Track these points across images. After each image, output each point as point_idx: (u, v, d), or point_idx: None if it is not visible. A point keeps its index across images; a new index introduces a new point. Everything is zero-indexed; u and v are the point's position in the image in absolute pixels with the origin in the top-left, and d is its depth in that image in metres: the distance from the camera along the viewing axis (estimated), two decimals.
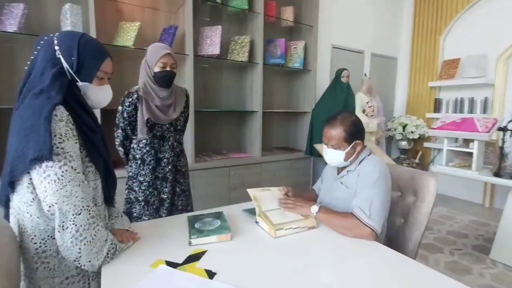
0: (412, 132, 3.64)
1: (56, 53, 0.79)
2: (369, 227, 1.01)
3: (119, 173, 1.89)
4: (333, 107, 2.93)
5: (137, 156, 1.50)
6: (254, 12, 2.64)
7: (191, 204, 1.73)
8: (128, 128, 1.47)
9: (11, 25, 1.77)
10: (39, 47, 0.81)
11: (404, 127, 3.71)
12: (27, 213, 0.75)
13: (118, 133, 1.49)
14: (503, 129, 2.05)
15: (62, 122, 0.73)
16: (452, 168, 2.27)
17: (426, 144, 3.86)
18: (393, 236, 1.33)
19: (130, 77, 2.35)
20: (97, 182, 0.85)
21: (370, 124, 3.06)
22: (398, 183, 1.38)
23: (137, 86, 1.47)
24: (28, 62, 0.81)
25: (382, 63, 4.05)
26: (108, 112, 2.02)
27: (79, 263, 0.76)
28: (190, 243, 0.94)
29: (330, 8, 3.39)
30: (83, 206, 0.74)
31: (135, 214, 1.51)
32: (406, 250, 1.25)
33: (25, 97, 0.75)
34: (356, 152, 1.19)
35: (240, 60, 2.63)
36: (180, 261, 0.84)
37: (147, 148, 1.49)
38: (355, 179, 1.15)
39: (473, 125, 2.10)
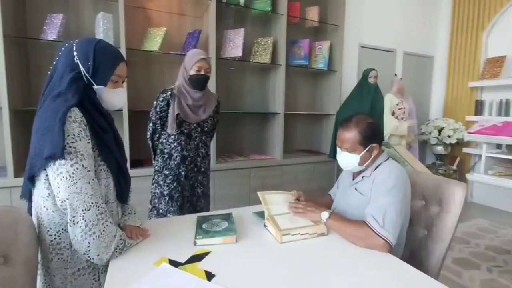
0: (449, 136, 3.37)
1: (75, 59, 0.84)
2: (382, 238, 0.95)
3: (146, 171, 2.04)
4: (359, 109, 2.81)
5: (165, 151, 1.58)
6: (277, 13, 2.63)
7: (208, 206, 1.77)
8: (158, 122, 1.56)
9: (52, 34, 1.95)
10: (60, 53, 0.87)
11: (440, 131, 3.44)
12: (44, 207, 0.82)
13: (150, 126, 1.59)
14: None
15: (76, 123, 0.78)
16: (492, 176, 2.06)
17: (465, 150, 3.55)
18: (415, 248, 1.24)
19: (157, 79, 2.46)
20: (109, 180, 0.90)
21: (400, 127, 2.88)
22: (422, 191, 1.28)
23: (173, 86, 1.56)
24: (51, 67, 0.88)
25: (416, 62, 3.81)
26: (139, 113, 2.14)
27: (88, 256, 0.81)
28: (195, 243, 0.95)
29: (358, 6, 3.27)
30: (92, 203, 0.79)
31: (161, 210, 1.58)
32: (429, 264, 1.16)
33: (46, 99, 0.82)
34: (372, 157, 1.12)
35: (262, 62, 2.63)
36: (183, 261, 0.85)
37: (174, 144, 1.57)
38: (370, 185, 1.09)
39: None
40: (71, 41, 0.88)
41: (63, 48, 0.88)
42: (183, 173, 1.59)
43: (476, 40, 3.48)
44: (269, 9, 2.57)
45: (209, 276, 0.78)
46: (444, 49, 3.83)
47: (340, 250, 0.96)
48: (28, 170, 0.81)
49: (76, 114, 0.79)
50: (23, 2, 2.02)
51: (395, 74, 3.12)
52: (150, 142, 1.63)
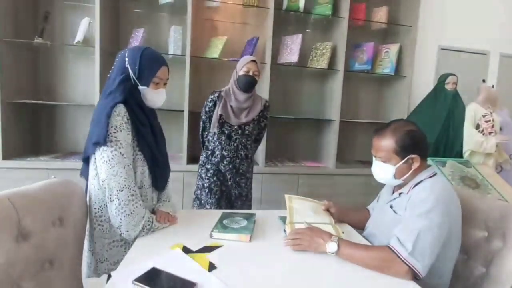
0: None
1: (126, 63, 1.01)
2: (407, 264, 0.82)
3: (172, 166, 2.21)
4: (432, 118, 2.46)
5: (210, 147, 1.72)
6: (338, 17, 2.53)
7: (247, 209, 1.81)
8: (207, 121, 1.71)
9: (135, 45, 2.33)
10: (117, 59, 1.05)
11: None
12: (92, 184, 1.00)
13: (200, 124, 1.77)
14: None
15: (119, 117, 0.94)
16: None
17: None
18: (469, 287, 1.03)
19: (217, 83, 2.65)
20: (145, 168, 1.04)
21: (485, 142, 2.40)
22: (485, 220, 1.06)
23: (223, 89, 1.70)
24: (110, 71, 1.07)
25: None
26: (196, 114, 2.36)
27: (120, 231, 0.95)
28: (211, 236, 1.01)
29: (439, 3, 2.88)
30: (125, 185, 0.93)
31: (202, 201, 1.72)
32: None
33: (102, 96, 1.01)
34: (412, 170, 0.99)
35: (319, 67, 2.57)
36: (195, 249, 0.92)
37: (217, 142, 1.69)
38: (406, 204, 0.95)
39: None
40: (126, 49, 1.06)
41: (119, 55, 1.06)
42: (222, 170, 1.69)
43: None
44: (330, 13, 2.49)
45: (211, 267, 0.82)
46: None
47: (356, 267, 0.87)
48: (83, 153, 1.00)
49: (120, 109, 0.94)
50: (117, 18, 2.47)
51: (483, 80, 2.62)
52: (200, 137, 1.81)
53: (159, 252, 0.88)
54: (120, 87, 0.97)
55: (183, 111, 2.38)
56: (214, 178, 1.69)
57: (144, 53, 1.01)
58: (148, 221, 0.99)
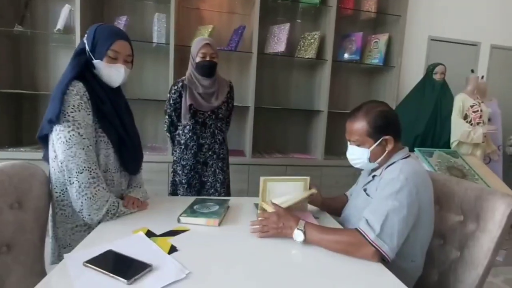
0: None
1: (84, 39, 0.97)
2: (375, 247, 0.80)
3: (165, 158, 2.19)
4: (420, 109, 2.44)
5: (182, 141, 1.65)
6: (326, 6, 2.49)
7: (229, 193, 1.79)
8: (173, 114, 1.64)
9: None
10: None
11: None
12: (52, 167, 0.96)
13: (166, 119, 1.69)
14: None
15: (78, 96, 0.89)
16: None
17: None
18: (445, 272, 1.01)
19: None
20: (109, 151, 0.99)
21: (472, 133, 2.38)
22: (461, 204, 1.04)
23: (184, 77, 1.63)
24: None
25: (509, 58, 3.10)
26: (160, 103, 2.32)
27: (81, 215, 0.92)
28: (178, 220, 0.98)
29: None
30: (84, 167, 0.89)
31: (179, 195, 1.68)
32: None
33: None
34: (386, 152, 0.96)
35: (307, 57, 2.53)
36: (158, 233, 0.89)
37: (190, 134, 1.62)
38: (377, 185, 0.93)
39: None
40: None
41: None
42: (201, 160, 1.63)
43: None
44: (318, 1, 2.45)
45: (172, 250, 0.79)
46: None
47: (324, 255, 0.84)
48: (38, 131, 0.96)
49: (79, 88, 0.90)
50: (99, 6, 2.41)
51: (472, 70, 2.59)
52: (168, 134, 1.73)
53: (120, 236, 0.85)
54: (74, 61, 0.93)
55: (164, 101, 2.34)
56: (192, 173, 1.64)
57: (100, 26, 0.97)
58: (113, 205, 0.96)
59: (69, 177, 0.89)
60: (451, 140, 2.42)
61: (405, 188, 0.84)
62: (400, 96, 2.65)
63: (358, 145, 0.99)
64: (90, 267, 0.67)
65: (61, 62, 2.41)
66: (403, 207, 0.83)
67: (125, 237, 0.85)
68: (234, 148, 2.63)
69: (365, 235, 0.81)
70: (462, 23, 2.95)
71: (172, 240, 0.85)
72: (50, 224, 1.00)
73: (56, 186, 0.96)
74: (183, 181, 1.66)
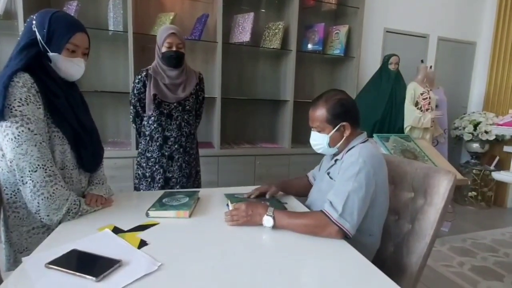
0: (486, 132, 2.98)
1: (33, 27, 0.88)
2: (338, 226, 0.86)
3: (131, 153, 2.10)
4: (377, 97, 2.61)
5: (147, 133, 1.59)
6: None
7: (199, 187, 1.77)
8: (138, 104, 1.57)
9: None
10: (25, 25, 0.92)
11: (476, 126, 3.06)
12: (0, 167, 0.88)
13: (131, 109, 1.62)
14: None
15: (24, 88, 0.82)
16: None
17: (506, 148, 3.10)
18: (399, 244, 1.12)
19: None
20: (65, 147, 0.93)
21: (422, 118, 2.61)
22: (412, 182, 1.14)
23: (150, 66, 1.57)
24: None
25: (454, 49, 3.41)
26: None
27: (39, 216, 0.86)
28: (147, 215, 0.96)
29: None
30: (38, 165, 0.83)
31: (142, 190, 1.62)
32: (408, 263, 1.03)
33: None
34: (344, 137, 1.03)
35: (272, 47, 2.55)
36: (127, 229, 0.86)
37: (155, 125, 1.57)
38: (339, 169, 0.99)
39: None
40: (34, 15, 0.92)
41: (27, 20, 0.92)
42: (166, 154, 1.58)
43: None
44: None
45: (142, 244, 0.78)
46: (488, 34, 3.36)
47: (292, 237, 0.88)
48: None
49: (26, 79, 0.83)
50: None
51: (422, 61, 2.82)
52: (134, 125, 1.66)
53: (85, 235, 0.81)
54: (22, 53, 0.85)
55: (129, 93, 2.22)
56: (157, 166, 1.58)
57: (55, 15, 0.89)
58: (74, 204, 0.91)
59: (21, 177, 0.82)
60: (405, 126, 2.63)
61: (363, 170, 0.91)
62: (360, 85, 2.80)
63: (319, 131, 1.05)
64: (53, 268, 0.64)
65: (1, 51, 2.16)
66: (362, 187, 0.90)
67: (89, 235, 0.81)
68: (202, 140, 2.59)
69: (329, 216, 0.87)
70: (413, 16, 3.17)
71: (141, 235, 0.83)
72: (1, 228, 0.92)
73: (6, 188, 0.88)
74: (147, 174, 1.61)
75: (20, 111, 0.81)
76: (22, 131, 0.81)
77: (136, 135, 1.72)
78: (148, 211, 0.96)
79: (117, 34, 2.22)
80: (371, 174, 0.92)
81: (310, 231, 0.87)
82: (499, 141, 3.06)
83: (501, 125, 1.81)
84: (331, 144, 1.03)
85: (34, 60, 0.86)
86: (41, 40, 0.88)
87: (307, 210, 1.10)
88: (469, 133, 3.08)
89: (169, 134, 1.59)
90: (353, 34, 2.76)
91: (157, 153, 1.59)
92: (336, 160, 1.06)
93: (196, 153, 1.75)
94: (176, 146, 1.61)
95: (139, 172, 1.64)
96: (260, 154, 2.59)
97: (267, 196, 1.16)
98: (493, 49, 3.32)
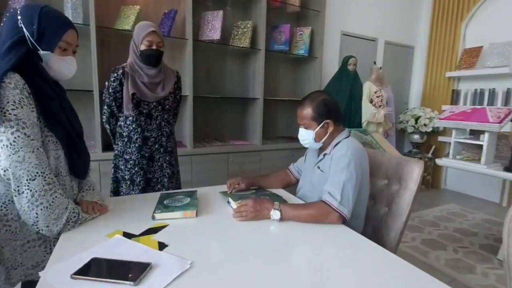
0: (425, 125, 3.46)
1: (18, 23, 0.80)
2: (338, 212, 0.97)
3: (107, 155, 1.98)
4: (338, 95, 2.83)
5: (124, 134, 1.51)
6: None
7: (180, 187, 1.75)
8: (113, 104, 1.48)
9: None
10: (5, 19, 0.83)
11: (416, 119, 3.53)
12: None
13: (104, 109, 1.51)
14: None
15: (17, 90, 0.75)
16: (459, 161, 2.14)
17: (441, 138, 3.66)
18: (377, 225, 1.28)
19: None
20: (59, 152, 0.87)
21: (377, 114, 2.93)
22: (386, 171, 1.31)
23: (125, 64, 1.49)
24: None
25: (397, 52, 3.85)
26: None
27: (37, 227, 0.79)
28: (153, 217, 0.95)
29: None
30: (37, 173, 0.76)
31: (122, 193, 1.55)
32: (388, 239, 1.20)
33: None
34: (328, 133, 1.14)
35: (242, 46, 2.59)
36: (138, 233, 0.85)
37: (133, 126, 1.50)
38: (329, 163, 1.11)
39: (484, 115, 1.95)
40: (16, 8, 0.84)
41: (7, 14, 0.83)
42: (146, 155, 1.53)
43: (455, 30, 3.54)
44: None
45: (162, 246, 0.78)
46: (424, 39, 3.89)
47: (297, 225, 0.97)
48: None
49: (17, 80, 0.75)
50: None
51: (374, 63, 3.15)
52: (107, 126, 1.56)
53: (95, 243, 0.78)
54: (11, 53, 0.77)
55: (92, 91, 2.07)
56: (136, 168, 1.52)
57: (45, 11, 0.82)
58: (73, 212, 0.85)
59: (18, 186, 0.75)
60: (362, 121, 2.92)
61: (352, 161, 1.04)
62: (323, 84, 3.01)
63: (306, 128, 1.16)
64: (82, 279, 0.61)
65: None
66: (353, 176, 1.02)
67: (101, 242, 0.78)
68: None
69: (330, 205, 0.97)
70: (365, 21, 3.50)
71: (156, 237, 0.83)
72: None
73: None
74: (126, 177, 1.54)
75: (14, 114, 0.74)
76: (18, 136, 0.74)
77: (111, 137, 1.62)
78: (154, 214, 0.95)
79: (77, 27, 2.03)
80: (358, 165, 1.05)
81: (314, 220, 0.97)
82: (435, 132, 3.58)
83: (442, 119, 2.14)
84: (317, 139, 1.14)
85: (24, 59, 0.78)
86: (30, 38, 0.80)
87: (301, 202, 1.19)
88: (412, 126, 3.54)
89: (149, 134, 1.54)
90: (316, 36, 2.94)
91: (136, 154, 1.53)
92: (324, 155, 1.17)
93: (175, 152, 1.72)
94: (156, 146, 1.57)
95: (117, 175, 1.55)
96: (233, 152, 2.63)
97: (232, 192, 1.24)
98: (428, 53, 3.85)
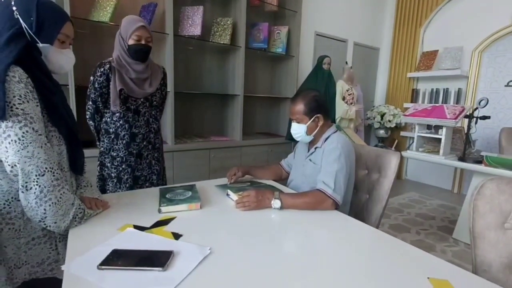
0: (389, 121, 3.76)
1: (14, 14, 0.77)
2: (332, 199, 1.07)
3: (90, 152, 1.91)
4: None
5: (111, 130, 1.48)
6: None
7: (166, 184, 1.75)
8: (99, 100, 1.44)
9: None
10: None
11: (382, 116, 3.82)
12: None
13: (89, 105, 1.46)
14: (469, 117, 2.17)
15: (22, 84, 0.73)
16: (422, 153, 2.39)
17: (402, 133, 4.01)
18: (359, 211, 1.41)
19: (107, 53, 2.28)
20: (62, 148, 0.85)
21: (349, 111, 3.14)
22: (366, 162, 1.45)
23: (111, 58, 1.45)
24: None
25: (364, 53, 4.12)
26: (84, 89, 1.98)
27: (44, 224, 0.78)
28: (159, 211, 0.97)
29: None
30: (46, 168, 0.75)
31: (108, 191, 1.51)
32: (369, 222, 1.32)
33: None
34: (318, 127, 1.24)
35: (222, 42, 2.61)
36: (148, 225, 0.87)
37: (120, 122, 1.47)
38: (321, 156, 1.21)
39: (442, 112, 2.21)
40: None
41: None
42: (134, 152, 1.51)
43: (414, 35, 3.89)
44: None
45: (177, 236, 0.82)
46: (388, 42, 4.21)
47: (295, 213, 1.06)
48: None
49: (21, 74, 0.73)
50: None
51: (346, 62, 3.35)
52: (92, 122, 1.50)
53: (108, 236, 0.79)
54: (10, 45, 0.74)
55: (67, 85, 1.96)
56: (124, 166, 1.49)
57: (42, 2, 0.80)
58: (79, 208, 0.85)
59: (26, 182, 0.73)
60: (336, 117, 3.11)
61: (343, 153, 1.15)
62: (299, 82, 3.14)
63: (298, 122, 1.25)
64: (109, 269, 0.63)
65: None
66: (344, 166, 1.14)
67: (114, 236, 0.80)
68: None
69: (325, 192, 1.08)
70: (336, 22, 3.69)
71: (168, 229, 0.86)
72: None
73: None
74: (113, 174, 1.51)
75: (22, 109, 0.72)
76: (27, 131, 0.72)
77: (94, 134, 1.56)
78: (160, 208, 0.97)
79: None
80: (347, 156, 1.17)
81: (311, 207, 1.06)
82: (398, 128, 3.91)
83: (407, 115, 2.38)
84: (308, 132, 1.24)
85: (23, 52, 0.75)
86: (28, 30, 0.78)
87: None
88: (378, 122, 3.83)
89: (137, 131, 1.52)
90: (293, 35, 3.05)
91: (124, 151, 1.50)
92: (316, 148, 1.27)
93: (162, 149, 1.72)
94: (144, 143, 1.55)
95: (103, 173, 1.52)
96: (214, 147, 2.65)
97: (232, 181, 1.32)
98: (391, 55, 4.17)
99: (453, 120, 2.11)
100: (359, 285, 0.66)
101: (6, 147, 0.71)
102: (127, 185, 1.52)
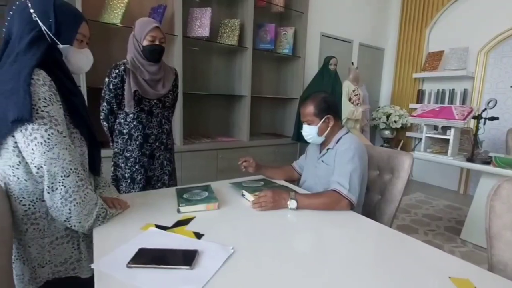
0: (395, 121, 3.76)
1: (32, 16, 0.78)
2: (347, 199, 1.08)
3: (103, 152, 1.92)
4: None
5: (124, 131, 1.50)
6: None
7: (177, 184, 1.76)
8: (114, 101, 1.46)
9: None
10: (11, 13, 0.80)
11: (388, 116, 3.83)
12: (14, 176, 0.77)
13: (103, 106, 1.48)
14: (477, 117, 2.17)
15: (46, 87, 0.74)
16: (430, 154, 2.39)
17: (408, 134, 4.01)
18: (371, 211, 1.42)
19: (117, 54, 2.31)
20: (84, 149, 0.87)
21: (355, 111, 3.14)
22: (377, 163, 1.45)
23: (125, 60, 1.47)
24: (4, 30, 0.80)
25: (370, 53, 4.13)
26: (95, 91, 2.00)
27: (69, 224, 0.80)
28: (178, 211, 0.98)
29: None
30: (71, 169, 0.77)
31: (121, 192, 1.52)
32: (381, 223, 1.33)
33: (3, 65, 0.76)
34: (329, 128, 1.25)
35: (230, 43, 2.63)
36: (169, 225, 0.89)
37: (134, 123, 1.49)
38: (334, 156, 1.22)
39: (450, 113, 2.21)
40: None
41: (14, 7, 0.80)
42: (147, 152, 1.53)
43: (420, 35, 3.89)
44: None
45: (198, 235, 0.83)
46: (394, 42, 4.21)
47: (311, 213, 1.07)
48: None
49: (44, 77, 0.74)
50: None
51: (352, 63, 3.36)
52: (105, 123, 1.52)
53: (131, 236, 0.80)
54: (33, 48, 0.75)
55: (79, 86, 1.98)
56: (137, 166, 1.51)
57: (58, 3, 0.81)
58: (102, 208, 0.86)
59: (52, 183, 0.74)
60: (342, 118, 3.11)
61: (356, 154, 1.16)
62: (305, 83, 3.15)
63: (309, 124, 1.26)
64: (138, 267, 0.65)
65: None
66: (358, 167, 1.15)
67: (137, 235, 0.81)
68: None
69: (340, 193, 1.09)
70: (342, 23, 3.70)
71: (189, 228, 0.87)
72: (13, 246, 0.80)
73: (24, 198, 0.77)
74: (126, 175, 1.53)
75: (47, 112, 0.73)
76: (52, 133, 0.73)
77: (108, 134, 1.58)
78: (179, 207, 0.98)
79: None
80: (360, 157, 1.18)
81: (326, 207, 1.07)
82: (403, 128, 3.91)
83: (415, 116, 2.38)
84: (320, 133, 1.26)
85: (46, 54, 0.77)
86: (48, 32, 0.79)
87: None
88: (383, 122, 3.83)
89: (150, 132, 1.54)
90: (299, 36, 3.07)
91: (137, 152, 1.52)
92: (328, 149, 1.28)
93: (173, 150, 1.73)
94: (157, 144, 1.57)
95: (117, 173, 1.53)
96: (221, 148, 2.67)
97: (244, 164, 1.44)
98: (397, 55, 4.18)
99: (462, 121, 2.12)
100: (382, 285, 0.66)
101: (32, 149, 0.72)
102: (140, 185, 1.54)
